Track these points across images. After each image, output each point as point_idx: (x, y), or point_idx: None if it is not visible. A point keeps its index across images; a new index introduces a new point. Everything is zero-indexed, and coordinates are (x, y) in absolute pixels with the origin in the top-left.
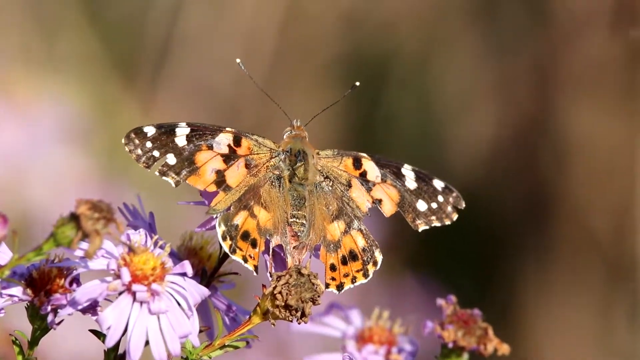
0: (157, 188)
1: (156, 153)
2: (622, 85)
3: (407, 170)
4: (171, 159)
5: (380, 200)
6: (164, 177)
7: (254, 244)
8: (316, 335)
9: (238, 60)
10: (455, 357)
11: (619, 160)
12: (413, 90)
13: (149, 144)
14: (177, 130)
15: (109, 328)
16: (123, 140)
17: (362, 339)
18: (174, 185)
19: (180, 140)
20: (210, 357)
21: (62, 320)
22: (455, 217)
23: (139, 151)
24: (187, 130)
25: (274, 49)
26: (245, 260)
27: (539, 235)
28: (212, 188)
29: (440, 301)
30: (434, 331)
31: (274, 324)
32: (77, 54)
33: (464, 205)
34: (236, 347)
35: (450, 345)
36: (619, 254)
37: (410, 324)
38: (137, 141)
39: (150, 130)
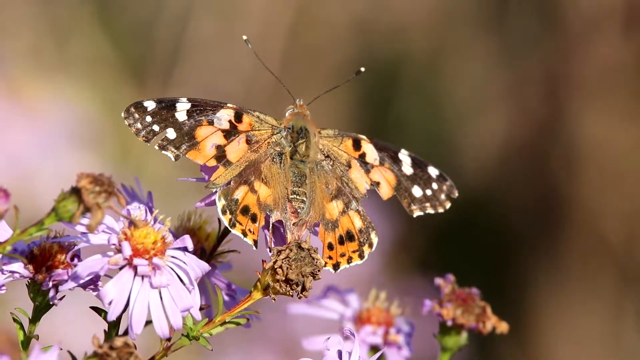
0: (168, 190)
1: (156, 127)
2: (634, 90)
3: (404, 156)
4: (171, 133)
5: (378, 183)
6: (163, 151)
7: (253, 219)
8: (315, 320)
9: (245, 37)
10: (455, 335)
11: (630, 165)
12: (424, 95)
13: (148, 118)
14: (177, 105)
15: (110, 302)
16: (122, 114)
17: (360, 320)
18: (173, 159)
19: (181, 115)
20: (211, 334)
21: (63, 296)
22: (448, 205)
23: (139, 125)
24: (188, 105)
25: (283, 54)
26: (245, 235)
27: (550, 240)
28: (212, 163)
29: (439, 280)
30: (432, 310)
31: (274, 299)
32: (88, 57)
33: (457, 195)
34: (237, 324)
35: (450, 323)
36: (630, 259)
37: (407, 304)
38: (136, 115)
39: (150, 105)
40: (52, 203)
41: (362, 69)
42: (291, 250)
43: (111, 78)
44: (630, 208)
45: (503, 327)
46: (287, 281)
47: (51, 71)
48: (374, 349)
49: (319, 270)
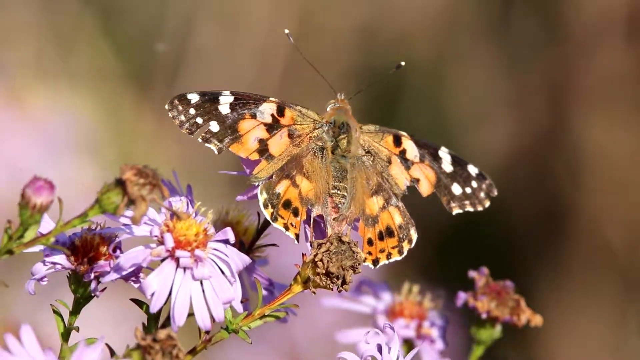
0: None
1: (199, 120)
2: (636, 99)
3: (444, 153)
4: (214, 126)
5: (418, 180)
6: (206, 144)
7: (295, 213)
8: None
9: (287, 31)
10: (489, 328)
11: (633, 173)
12: (427, 103)
13: (192, 111)
14: (220, 98)
15: (152, 294)
16: (167, 106)
17: (393, 313)
18: (216, 152)
19: (224, 108)
20: (250, 328)
21: (105, 288)
22: (487, 204)
23: (182, 117)
24: (231, 98)
25: (287, 62)
26: (287, 228)
27: (552, 247)
28: (255, 156)
29: (473, 273)
30: (467, 302)
31: (314, 292)
32: (91, 66)
33: (496, 193)
34: (277, 317)
35: (484, 315)
36: (633, 266)
37: (440, 297)
38: (180, 107)
39: (194, 97)
40: (53, 211)
41: (403, 63)
42: (332, 243)
43: (113, 87)
44: (633, 216)
45: (537, 320)
46: (328, 274)
47: (53, 79)
48: (407, 342)
49: (359, 264)
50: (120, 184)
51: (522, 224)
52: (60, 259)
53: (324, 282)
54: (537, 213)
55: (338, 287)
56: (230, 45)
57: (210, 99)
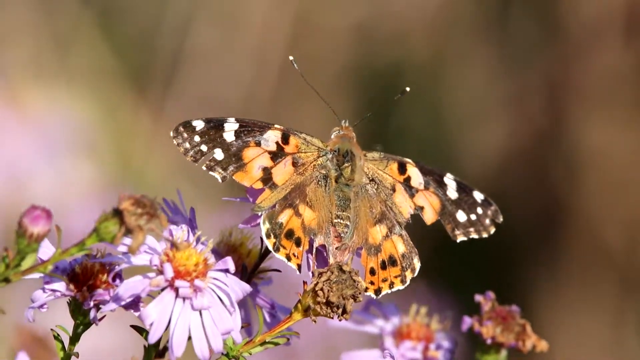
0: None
1: (204, 147)
2: (635, 98)
3: (449, 180)
4: (219, 154)
5: (422, 208)
6: (210, 172)
7: (298, 243)
8: (354, 333)
9: (291, 58)
10: (494, 353)
11: (631, 173)
12: (425, 102)
13: (197, 138)
14: (225, 125)
15: (151, 324)
16: (171, 134)
17: (400, 335)
18: (220, 180)
19: (229, 135)
20: (250, 354)
21: (104, 316)
22: (492, 230)
23: (187, 145)
24: (236, 125)
25: (284, 62)
26: (289, 259)
27: (551, 247)
28: (259, 185)
29: (479, 297)
30: (472, 327)
31: (314, 321)
32: (89, 66)
33: (501, 220)
34: (276, 344)
35: (489, 341)
36: (631, 266)
37: (448, 320)
38: (185, 135)
39: (199, 125)
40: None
41: (408, 89)
42: (332, 272)
43: (112, 87)
44: (631, 216)
45: (543, 345)
46: (328, 303)
47: (52, 80)
48: None
49: (360, 293)
50: (118, 213)
51: (520, 224)
52: (60, 286)
53: (324, 311)
54: (535, 213)
55: (338, 316)
56: (228, 46)
57: (215, 126)
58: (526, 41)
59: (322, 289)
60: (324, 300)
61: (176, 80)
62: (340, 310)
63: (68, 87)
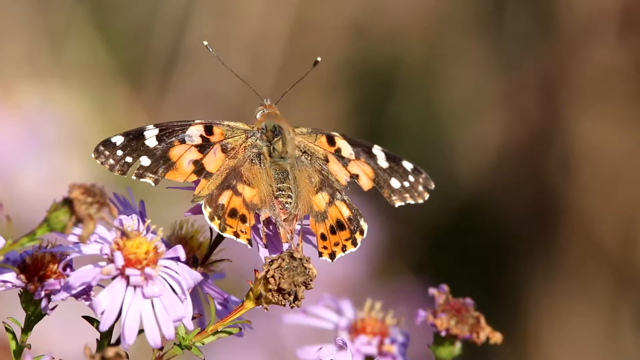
0: (159, 198)
1: (129, 159)
2: (630, 93)
3: (377, 151)
4: (145, 160)
5: (357, 175)
6: (141, 179)
7: (243, 219)
8: (308, 328)
9: (205, 43)
10: (448, 345)
11: (626, 169)
12: (419, 99)
13: (119, 152)
14: (145, 133)
15: (102, 312)
16: (93, 155)
17: (355, 330)
18: (153, 184)
19: (151, 141)
20: (203, 344)
21: (55, 306)
22: (426, 196)
23: (111, 161)
24: (156, 131)
25: (280, 58)
26: (237, 236)
27: (545, 243)
28: (193, 178)
29: (433, 290)
30: (426, 320)
31: (266, 309)
32: (84, 61)
33: (433, 186)
34: (229, 333)
35: (443, 333)
36: (626, 262)
37: (402, 315)
38: (107, 152)
39: (118, 140)
40: (43, 207)
41: (319, 59)
42: (283, 259)
43: (106, 82)
44: (626, 212)
45: (497, 337)
46: (280, 290)
47: (46, 75)
48: (369, 359)
49: (311, 280)
50: (68, 202)
51: (514, 220)
52: (10, 277)
53: (276, 299)
54: (529, 209)
55: (290, 304)
56: (224, 41)
57: (135, 137)
58: (520, 38)
59: (273, 276)
60: (276, 288)
61: (171, 76)
62: (292, 297)
63: (62, 82)
